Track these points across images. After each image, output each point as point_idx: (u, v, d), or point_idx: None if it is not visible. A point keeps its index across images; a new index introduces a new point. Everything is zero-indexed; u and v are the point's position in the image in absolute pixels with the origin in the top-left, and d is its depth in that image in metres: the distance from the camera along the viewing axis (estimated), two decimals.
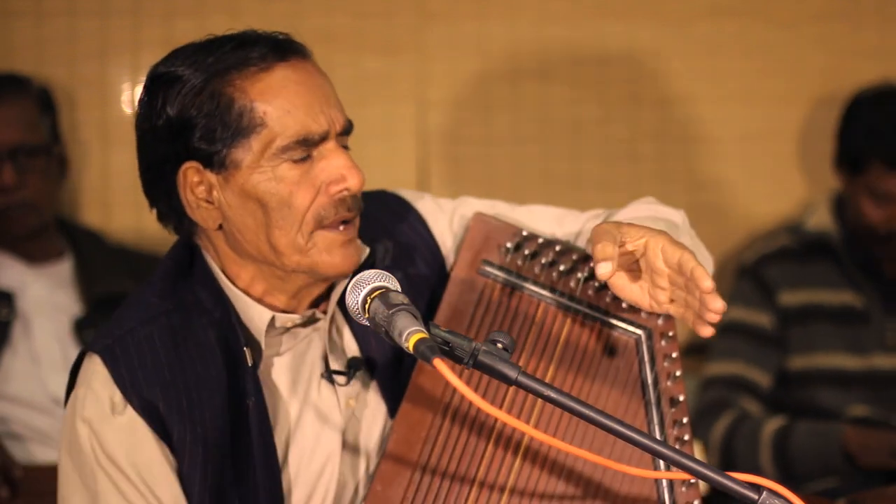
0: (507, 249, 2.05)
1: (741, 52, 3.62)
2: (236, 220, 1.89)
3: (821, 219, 3.38)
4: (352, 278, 1.80)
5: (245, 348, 1.91)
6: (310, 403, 1.97)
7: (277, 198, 1.85)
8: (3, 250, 3.20)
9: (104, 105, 3.48)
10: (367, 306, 1.76)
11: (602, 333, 2.03)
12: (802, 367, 3.31)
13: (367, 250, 1.97)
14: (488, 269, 2.03)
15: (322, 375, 1.97)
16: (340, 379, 1.97)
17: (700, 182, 3.64)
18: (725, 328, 3.36)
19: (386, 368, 2.00)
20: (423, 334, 1.67)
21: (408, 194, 2.14)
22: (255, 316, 1.93)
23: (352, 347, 2.01)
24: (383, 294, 1.75)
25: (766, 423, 3.21)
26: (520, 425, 1.67)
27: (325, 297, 1.99)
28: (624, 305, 2.02)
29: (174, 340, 1.89)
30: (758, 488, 1.67)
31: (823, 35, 3.64)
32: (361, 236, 1.96)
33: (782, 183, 3.57)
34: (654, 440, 1.71)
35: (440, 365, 1.63)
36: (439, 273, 2.07)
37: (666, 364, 2.01)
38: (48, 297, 3.17)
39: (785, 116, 3.47)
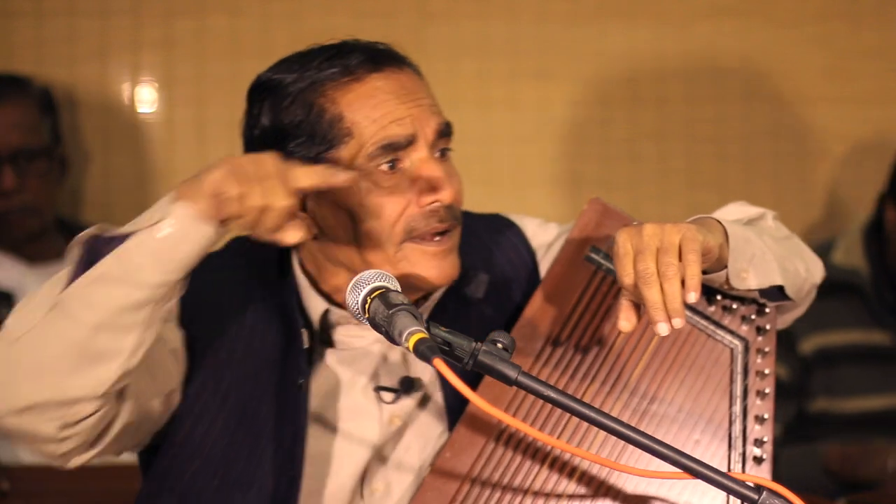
0: None
1: (741, 52, 3.62)
2: (329, 233, 1.88)
3: (849, 253, 3.23)
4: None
5: (303, 329, 1.89)
6: (348, 409, 1.93)
7: (366, 209, 1.83)
8: (3, 251, 3.20)
9: (104, 105, 3.48)
10: (367, 306, 1.75)
11: (699, 338, 1.99)
12: (825, 410, 3.22)
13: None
14: (594, 255, 1.98)
15: (373, 388, 1.94)
16: (387, 396, 1.93)
17: (700, 182, 3.64)
18: None
19: (456, 393, 1.98)
20: (423, 334, 1.66)
21: (527, 223, 2.07)
22: (311, 305, 1.92)
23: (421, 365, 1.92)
24: (383, 294, 1.74)
25: None
26: (544, 438, 1.67)
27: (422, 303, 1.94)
28: (725, 317, 1.99)
29: (242, 295, 1.89)
30: (758, 488, 1.67)
31: (823, 35, 3.64)
32: (462, 258, 1.91)
33: (782, 183, 3.57)
34: (654, 440, 1.70)
35: (440, 364, 1.63)
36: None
37: (757, 380, 1.97)
38: None
39: (784, 116, 3.46)
